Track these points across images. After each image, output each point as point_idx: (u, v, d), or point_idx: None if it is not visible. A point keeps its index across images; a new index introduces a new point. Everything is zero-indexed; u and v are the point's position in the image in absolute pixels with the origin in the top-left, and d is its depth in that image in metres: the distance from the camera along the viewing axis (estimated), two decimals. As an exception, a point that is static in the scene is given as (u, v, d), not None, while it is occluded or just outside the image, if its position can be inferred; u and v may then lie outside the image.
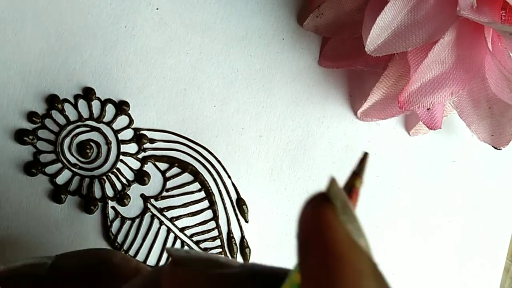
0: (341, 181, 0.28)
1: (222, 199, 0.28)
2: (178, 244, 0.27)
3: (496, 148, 0.27)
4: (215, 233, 0.28)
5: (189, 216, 0.27)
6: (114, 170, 0.26)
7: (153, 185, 0.27)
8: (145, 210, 0.27)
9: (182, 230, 0.27)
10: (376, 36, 0.24)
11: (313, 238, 0.11)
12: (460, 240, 0.32)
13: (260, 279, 0.13)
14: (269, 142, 0.29)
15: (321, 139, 0.29)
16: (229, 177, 0.28)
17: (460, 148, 0.31)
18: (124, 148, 0.27)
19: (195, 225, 0.28)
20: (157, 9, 0.26)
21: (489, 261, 0.33)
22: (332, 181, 0.11)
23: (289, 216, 0.29)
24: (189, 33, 0.27)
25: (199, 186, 0.28)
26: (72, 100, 0.26)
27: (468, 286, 0.32)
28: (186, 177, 0.27)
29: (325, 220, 0.11)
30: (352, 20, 0.27)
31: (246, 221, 0.28)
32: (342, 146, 0.30)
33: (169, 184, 0.27)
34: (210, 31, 0.27)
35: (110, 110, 0.26)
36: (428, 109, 0.26)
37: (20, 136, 0.25)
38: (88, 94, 0.26)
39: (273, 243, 0.29)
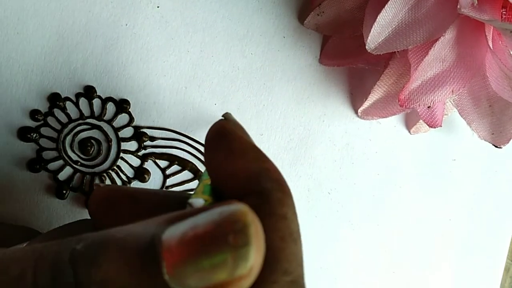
0: (342, 178, 0.28)
1: (223, 197, 0.28)
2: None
3: (496, 147, 0.27)
4: (215, 230, 0.28)
5: (189, 214, 0.28)
6: (115, 167, 0.27)
7: (153, 183, 0.27)
8: (146, 207, 0.27)
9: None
10: (377, 34, 0.24)
11: (217, 138, 0.15)
12: (460, 239, 0.32)
13: (177, 194, 0.16)
14: (270, 140, 0.29)
15: (322, 137, 0.29)
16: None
17: (461, 147, 0.31)
18: (124, 145, 0.27)
19: (195, 223, 0.28)
20: (158, 7, 0.26)
21: (489, 261, 0.32)
22: (227, 113, 0.17)
23: (289, 214, 0.29)
24: (190, 31, 0.27)
25: (199, 184, 0.28)
26: (74, 99, 0.26)
27: (468, 285, 0.32)
28: (186, 174, 0.28)
29: (224, 126, 0.16)
30: (353, 18, 0.27)
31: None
32: (343, 144, 0.30)
33: (169, 182, 0.27)
34: (211, 29, 0.27)
35: (110, 108, 0.26)
36: (428, 107, 0.26)
37: (23, 133, 0.26)
38: (89, 92, 0.26)
39: (273, 240, 0.29)
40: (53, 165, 0.26)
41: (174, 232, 0.11)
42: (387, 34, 0.24)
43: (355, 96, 0.30)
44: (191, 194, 0.15)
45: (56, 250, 0.11)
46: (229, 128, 0.16)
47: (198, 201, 0.14)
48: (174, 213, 0.12)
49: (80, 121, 0.26)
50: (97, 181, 0.27)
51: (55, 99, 0.26)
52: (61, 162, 0.26)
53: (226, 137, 0.15)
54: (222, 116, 0.17)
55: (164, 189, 0.27)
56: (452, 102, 0.27)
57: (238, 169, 0.15)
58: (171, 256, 0.11)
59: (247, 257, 0.11)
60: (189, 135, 0.27)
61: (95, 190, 0.17)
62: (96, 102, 0.26)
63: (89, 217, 0.18)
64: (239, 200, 0.14)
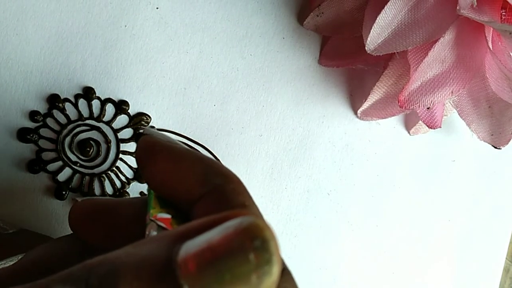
0: (341, 179, 0.28)
1: (222, 198, 0.28)
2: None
3: (496, 148, 0.27)
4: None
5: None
6: (114, 168, 0.27)
7: (153, 184, 0.27)
8: (145, 208, 0.27)
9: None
10: (377, 35, 0.24)
11: (148, 155, 0.15)
12: (459, 240, 0.32)
13: (141, 202, 0.16)
14: (269, 141, 0.29)
15: (322, 138, 0.29)
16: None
17: (460, 147, 0.31)
18: (123, 146, 0.27)
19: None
20: (157, 8, 0.26)
21: (488, 261, 0.32)
22: (145, 129, 0.17)
23: (289, 215, 0.29)
24: (189, 32, 0.27)
25: (198, 185, 0.28)
26: (73, 100, 0.26)
27: (468, 286, 0.32)
28: (186, 175, 0.28)
29: (150, 141, 0.16)
30: (352, 19, 0.27)
31: (246, 220, 0.28)
32: (342, 145, 0.30)
33: (169, 183, 0.27)
34: (210, 30, 0.27)
35: (110, 109, 0.26)
36: (428, 108, 0.26)
37: (22, 134, 0.26)
38: (88, 93, 0.26)
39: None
40: (52, 166, 0.26)
41: (189, 252, 0.11)
42: (386, 35, 0.24)
43: (355, 97, 0.30)
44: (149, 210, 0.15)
45: (67, 286, 0.11)
46: (156, 141, 0.16)
47: (163, 216, 0.14)
48: (180, 228, 0.12)
49: (79, 122, 0.26)
50: (96, 182, 0.27)
51: (54, 100, 0.26)
52: (60, 163, 0.26)
53: (157, 151, 0.15)
54: (142, 133, 0.17)
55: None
56: (451, 103, 0.27)
57: (183, 177, 0.15)
58: (191, 279, 0.10)
59: (271, 273, 0.10)
60: (188, 136, 0.27)
61: (73, 206, 0.17)
62: (95, 103, 0.26)
63: None
64: (195, 204, 0.14)
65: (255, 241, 0.10)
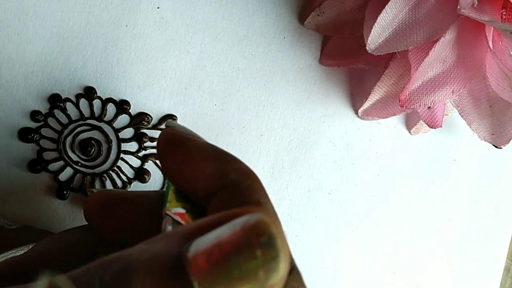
0: (342, 179, 0.28)
1: (223, 197, 0.28)
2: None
3: (496, 147, 0.27)
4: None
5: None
6: (115, 168, 0.27)
7: (154, 183, 0.27)
8: (146, 208, 0.27)
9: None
10: (377, 34, 0.24)
11: (168, 146, 0.15)
12: (460, 239, 0.32)
13: (157, 195, 0.16)
14: (270, 141, 0.29)
15: (322, 138, 0.29)
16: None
17: (461, 147, 0.31)
18: (124, 146, 0.27)
19: (195, 223, 0.28)
20: (158, 8, 0.26)
21: (489, 261, 0.32)
22: (168, 121, 0.17)
23: (290, 215, 0.29)
24: (190, 32, 0.27)
25: (199, 184, 0.28)
26: (74, 99, 0.26)
27: (469, 285, 0.32)
28: (187, 175, 0.28)
29: (171, 133, 0.16)
30: (353, 18, 0.27)
31: (247, 219, 0.28)
32: (343, 145, 0.30)
33: (170, 182, 0.27)
34: (211, 30, 0.27)
35: (111, 109, 0.26)
36: (429, 107, 0.26)
37: (24, 134, 0.26)
38: (89, 93, 0.26)
39: (274, 241, 0.29)
40: (53, 166, 0.26)
41: (199, 249, 0.11)
42: (387, 35, 0.24)
43: (356, 96, 0.30)
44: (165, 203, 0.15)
45: (80, 283, 0.11)
46: (177, 134, 0.16)
47: (178, 210, 0.14)
48: (191, 225, 0.12)
49: (81, 122, 0.26)
50: (97, 182, 0.27)
51: (55, 100, 0.26)
52: (61, 163, 0.26)
53: (177, 143, 0.16)
54: (166, 125, 0.17)
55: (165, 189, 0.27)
56: (452, 102, 0.27)
57: (200, 169, 0.15)
58: (201, 275, 0.11)
59: (277, 269, 0.11)
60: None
61: (89, 197, 0.17)
62: (97, 103, 0.26)
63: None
64: (211, 198, 0.15)
65: (261, 238, 0.11)
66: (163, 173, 0.16)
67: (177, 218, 0.14)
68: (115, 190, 0.17)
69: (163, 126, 0.27)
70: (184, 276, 0.11)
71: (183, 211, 0.14)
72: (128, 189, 0.27)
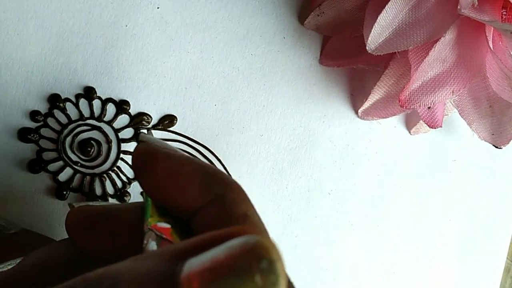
0: (342, 179, 0.28)
1: (223, 198, 0.28)
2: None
3: (496, 147, 0.27)
4: (215, 231, 0.28)
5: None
6: (115, 168, 0.27)
7: (154, 184, 0.27)
8: (146, 208, 0.27)
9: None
10: (377, 34, 0.24)
11: (145, 163, 0.15)
12: (460, 239, 0.32)
13: (138, 208, 0.16)
14: (270, 141, 0.29)
15: (322, 138, 0.29)
16: (230, 176, 0.28)
17: (461, 147, 0.31)
18: (124, 146, 0.27)
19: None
20: (158, 8, 0.26)
21: (489, 261, 0.32)
22: (141, 135, 0.17)
23: (290, 215, 0.29)
24: (189, 32, 0.27)
25: (199, 185, 0.28)
26: (74, 99, 0.26)
27: (468, 286, 0.32)
28: (187, 175, 0.28)
29: (147, 149, 0.15)
30: (353, 18, 0.27)
31: (247, 220, 0.28)
32: (343, 145, 0.30)
33: (170, 183, 0.27)
34: (211, 30, 0.27)
35: (110, 109, 0.26)
36: (429, 107, 0.26)
37: (23, 134, 0.26)
38: (89, 93, 0.26)
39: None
40: (53, 166, 0.26)
41: (193, 270, 0.10)
42: (387, 35, 0.24)
43: (356, 96, 0.30)
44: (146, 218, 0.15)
45: None
46: (153, 149, 0.15)
47: (162, 225, 0.14)
48: (183, 244, 0.12)
49: (80, 122, 0.26)
50: (97, 181, 0.27)
51: (55, 100, 0.26)
52: (61, 163, 0.26)
53: (155, 159, 0.15)
54: (139, 139, 0.16)
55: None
56: (452, 102, 0.27)
57: (182, 185, 0.14)
58: None
59: None
60: (189, 136, 0.27)
61: (70, 212, 0.16)
62: (96, 103, 0.26)
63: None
64: (195, 213, 0.14)
65: (261, 262, 0.10)
66: (142, 189, 0.15)
67: (160, 233, 0.14)
68: (95, 206, 0.16)
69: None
70: None
71: (168, 226, 0.14)
72: (128, 189, 0.27)
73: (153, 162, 0.15)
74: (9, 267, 0.20)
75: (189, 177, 0.14)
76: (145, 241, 0.13)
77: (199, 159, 0.15)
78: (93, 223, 0.16)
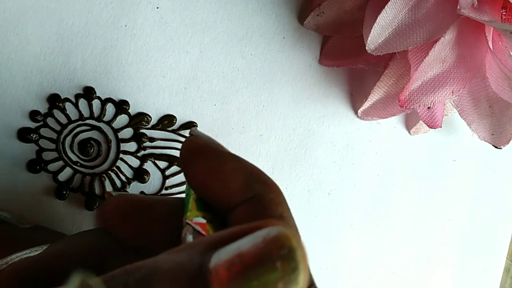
0: (342, 179, 0.28)
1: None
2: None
3: (496, 147, 0.27)
4: (215, 231, 0.28)
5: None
6: (114, 168, 0.27)
7: (153, 183, 0.27)
8: (146, 208, 0.27)
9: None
10: (377, 35, 0.24)
11: (192, 155, 0.16)
12: (460, 239, 0.32)
13: (175, 202, 0.17)
14: (270, 141, 0.29)
15: (322, 138, 0.29)
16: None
17: (461, 147, 0.31)
18: (124, 146, 0.27)
19: (195, 223, 0.28)
20: (157, 8, 0.26)
21: (489, 261, 0.32)
22: (192, 129, 0.17)
23: (289, 215, 0.29)
24: (189, 32, 0.27)
25: (199, 185, 0.28)
26: (73, 99, 0.26)
27: (468, 286, 0.32)
28: (186, 175, 0.28)
29: (196, 142, 0.16)
30: (353, 18, 0.27)
31: (246, 220, 0.28)
32: (343, 145, 0.30)
33: (169, 182, 0.27)
34: (211, 30, 0.27)
35: (110, 109, 0.26)
36: (428, 108, 0.26)
37: (23, 134, 0.26)
38: (88, 93, 0.26)
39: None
40: (53, 166, 0.26)
41: (220, 260, 0.11)
42: (387, 35, 0.24)
43: (355, 96, 0.30)
44: (185, 211, 0.15)
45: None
46: (201, 143, 0.16)
47: (199, 220, 0.15)
48: (214, 236, 0.12)
49: (80, 122, 0.26)
50: (96, 182, 0.27)
51: (54, 100, 0.26)
52: (61, 163, 0.26)
53: (202, 152, 0.16)
54: (190, 133, 0.17)
55: (163, 189, 0.27)
56: (452, 102, 0.27)
57: (225, 181, 0.15)
58: (221, 285, 0.11)
59: (296, 281, 0.11)
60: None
61: (107, 200, 0.17)
62: (96, 103, 0.26)
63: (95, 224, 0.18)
64: (233, 209, 0.15)
65: (282, 250, 0.11)
66: (186, 180, 0.16)
67: (198, 228, 0.14)
68: (134, 195, 0.17)
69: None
70: (205, 285, 0.11)
71: (203, 221, 0.15)
72: (128, 189, 0.27)
73: (200, 156, 0.16)
74: (35, 253, 0.20)
75: (233, 173, 0.15)
76: (183, 234, 0.14)
77: (242, 157, 0.16)
78: (130, 212, 0.16)
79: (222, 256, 0.11)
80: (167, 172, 0.27)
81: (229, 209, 0.15)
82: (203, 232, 0.14)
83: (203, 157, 0.16)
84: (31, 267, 0.16)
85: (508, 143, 0.27)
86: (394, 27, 0.24)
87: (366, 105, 0.29)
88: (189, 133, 0.17)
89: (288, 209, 0.15)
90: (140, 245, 0.16)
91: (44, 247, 0.19)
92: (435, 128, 0.27)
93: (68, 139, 0.26)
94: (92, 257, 0.16)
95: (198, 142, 0.16)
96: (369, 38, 0.24)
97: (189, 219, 0.15)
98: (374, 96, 0.28)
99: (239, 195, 0.15)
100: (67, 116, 0.26)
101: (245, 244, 0.11)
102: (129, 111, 0.27)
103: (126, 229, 0.16)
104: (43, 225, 0.27)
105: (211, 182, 0.15)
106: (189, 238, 0.14)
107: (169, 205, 0.16)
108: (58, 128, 0.26)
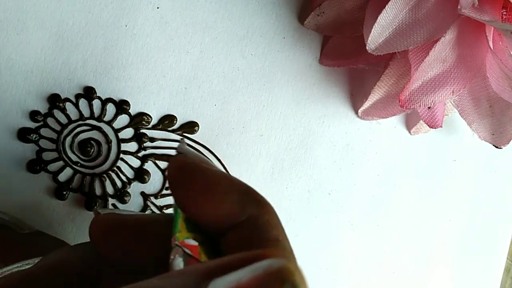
0: (342, 179, 0.28)
1: (223, 198, 0.28)
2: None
3: (496, 147, 0.27)
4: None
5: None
6: (115, 168, 0.27)
7: (153, 183, 0.27)
8: (145, 207, 0.27)
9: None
10: (377, 34, 0.24)
11: (182, 176, 0.15)
12: (460, 240, 0.32)
13: (164, 219, 0.16)
14: (270, 141, 0.29)
15: (322, 138, 0.29)
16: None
17: (461, 147, 0.31)
18: (124, 146, 0.27)
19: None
20: (157, 8, 0.26)
21: (489, 261, 0.32)
22: (179, 146, 0.16)
23: (290, 215, 0.29)
24: (189, 32, 0.27)
25: (199, 185, 0.28)
26: (73, 99, 0.26)
27: (468, 286, 0.32)
28: (187, 175, 0.28)
29: (185, 162, 0.15)
30: (353, 18, 0.27)
31: (247, 220, 0.28)
32: (343, 145, 0.30)
33: (170, 183, 0.27)
34: (211, 30, 0.27)
35: (110, 109, 0.26)
36: (429, 107, 0.26)
37: (23, 134, 0.26)
38: (89, 93, 0.26)
39: (274, 241, 0.29)
40: (53, 166, 0.26)
41: None
42: (387, 35, 0.24)
43: (355, 96, 0.30)
44: (174, 229, 0.14)
45: None
46: (191, 162, 0.15)
47: (189, 242, 0.14)
48: (210, 264, 0.12)
49: (80, 122, 0.26)
50: (97, 182, 0.27)
51: (54, 100, 0.26)
52: (61, 163, 0.26)
53: (193, 173, 0.15)
54: (177, 150, 0.16)
55: (164, 189, 0.27)
56: (452, 102, 0.27)
57: (218, 202, 0.14)
58: None
59: None
60: (189, 136, 0.27)
61: (96, 219, 0.16)
62: (96, 103, 0.26)
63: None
64: (227, 232, 0.14)
65: (284, 285, 0.10)
66: (175, 201, 0.15)
67: (188, 250, 0.14)
68: (121, 214, 0.16)
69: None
70: None
71: (195, 243, 0.14)
72: (128, 189, 0.27)
73: (190, 176, 0.15)
74: (27, 266, 0.20)
75: (225, 194, 0.14)
76: (172, 256, 0.13)
77: (234, 176, 0.16)
78: (119, 231, 0.16)
79: (219, 286, 0.11)
80: (168, 172, 0.27)
81: (222, 232, 0.14)
82: (196, 256, 0.14)
83: (194, 177, 0.15)
84: (22, 283, 0.15)
85: (508, 143, 0.27)
86: (394, 27, 0.24)
87: (366, 105, 0.29)
88: (176, 151, 0.16)
89: (283, 231, 0.15)
90: (129, 264, 0.15)
91: (36, 260, 0.19)
92: (435, 128, 0.27)
93: (69, 139, 0.26)
94: (86, 272, 0.16)
95: (188, 161, 0.15)
96: (369, 38, 0.24)
97: (179, 241, 0.14)
98: (375, 96, 0.28)
99: (233, 217, 0.14)
100: (67, 116, 0.26)
101: (244, 275, 0.11)
102: (129, 111, 0.27)
103: (114, 249, 0.16)
104: (42, 225, 0.27)
105: (202, 204, 0.14)
106: (179, 261, 0.13)
107: (158, 224, 0.16)
108: (58, 128, 0.26)
